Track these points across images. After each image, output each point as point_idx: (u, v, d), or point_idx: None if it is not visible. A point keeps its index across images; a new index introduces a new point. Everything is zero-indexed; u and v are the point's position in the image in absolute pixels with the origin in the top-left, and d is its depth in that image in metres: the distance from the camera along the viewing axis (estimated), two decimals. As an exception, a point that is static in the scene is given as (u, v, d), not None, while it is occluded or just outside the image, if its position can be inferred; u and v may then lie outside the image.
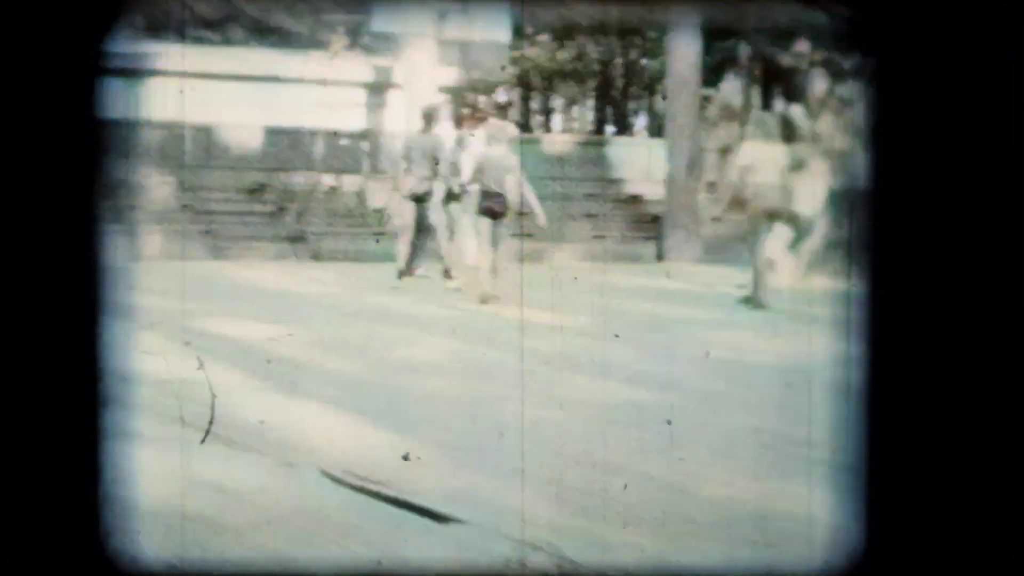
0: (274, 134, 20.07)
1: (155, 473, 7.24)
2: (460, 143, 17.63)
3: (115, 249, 5.14)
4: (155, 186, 20.25)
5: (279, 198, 18.66)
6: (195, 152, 21.23)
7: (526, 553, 5.82)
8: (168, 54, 22.13)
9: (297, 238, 18.90)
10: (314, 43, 22.39)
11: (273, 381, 9.80)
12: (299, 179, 19.36)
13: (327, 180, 18.60)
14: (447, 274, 16.50)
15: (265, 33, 23.10)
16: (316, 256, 18.32)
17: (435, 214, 17.00)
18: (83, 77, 5.02)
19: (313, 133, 20.85)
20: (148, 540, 5.79)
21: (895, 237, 4.89)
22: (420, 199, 17.03)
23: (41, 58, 4.97)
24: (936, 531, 4.89)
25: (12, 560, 4.88)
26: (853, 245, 5.01)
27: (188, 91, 21.54)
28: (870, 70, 4.94)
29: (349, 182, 19.42)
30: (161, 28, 22.85)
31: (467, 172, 16.50)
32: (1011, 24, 4.81)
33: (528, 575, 5.69)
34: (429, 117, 16.84)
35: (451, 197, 17.26)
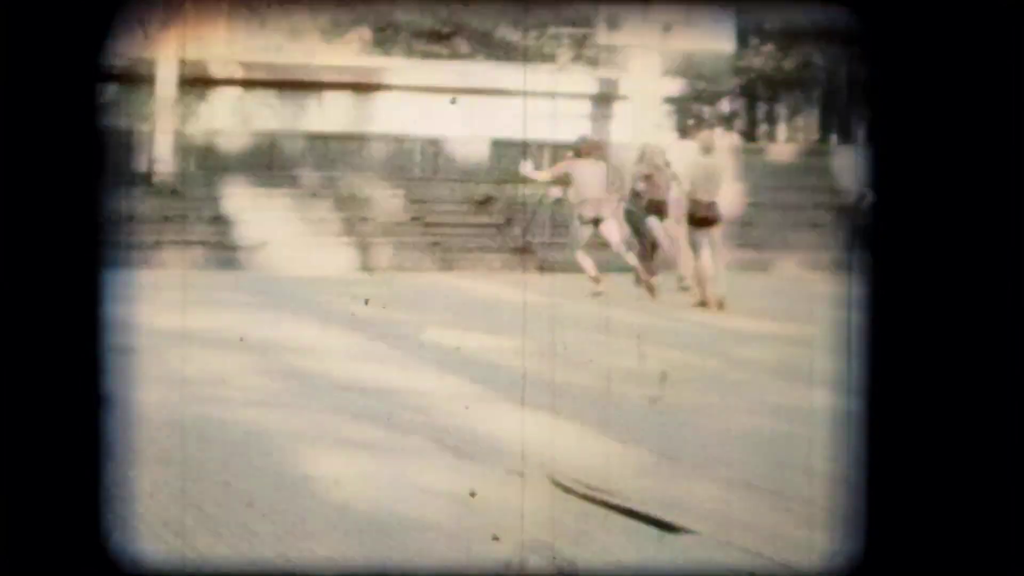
0: (501, 146, 20.34)
1: (386, 480, 7.42)
2: (672, 153, 17.70)
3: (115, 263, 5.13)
4: (384, 199, 20.65)
5: (506, 210, 18.90)
6: (424, 165, 21.60)
7: (526, 554, 5.82)
8: (396, 68, 22.56)
9: (523, 249, 19.08)
10: (540, 55, 22.62)
11: (502, 391, 9.95)
12: (525, 191, 19.56)
13: (553, 192, 18.76)
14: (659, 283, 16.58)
15: (492, 46, 23.40)
16: (542, 267, 18.49)
17: (650, 223, 17.10)
18: (81, 82, 4.99)
19: (540, 145, 21.05)
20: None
21: (895, 237, 4.84)
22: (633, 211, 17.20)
23: (42, 63, 4.94)
24: (936, 531, 4.83)
25: (12, 560, 4.89)
26: (854, 245, 4.99)
27: (414, 104, 21.92)
28: (870, 70, 4.90)
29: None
30: (388, 42, 23.31)
31: (681, 181, 16.56)
32: (1011, 24, 4.74)
33: (528, 575, 5.69)
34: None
35: (653, 207, 17.32)
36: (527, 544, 5.92)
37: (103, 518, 4.96)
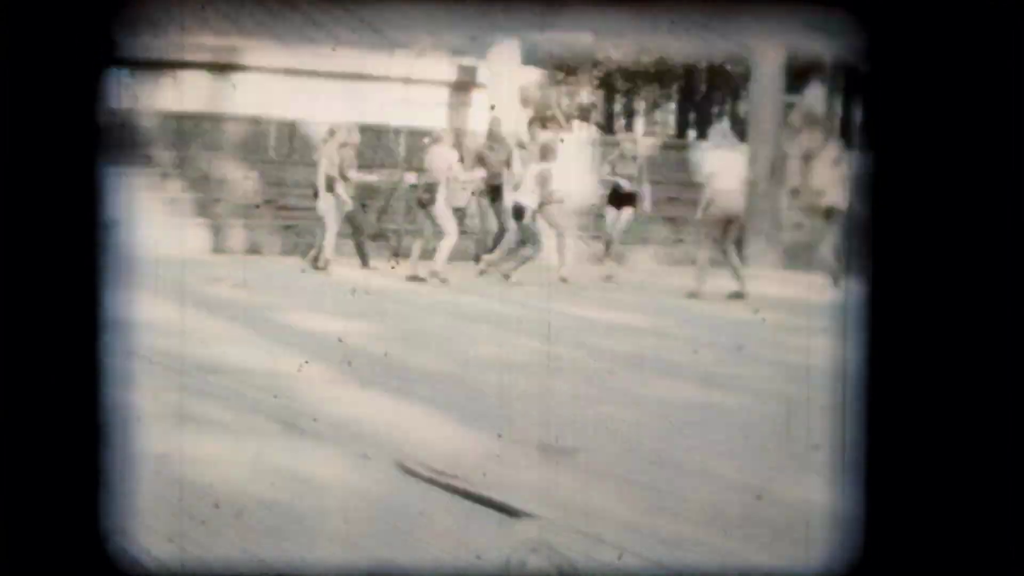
0: (358, 131, 20.18)
1: (231, 461, 7.36)
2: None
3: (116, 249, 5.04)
4: (238, 180, 20.43)
5: (361, 195, 18.78)
6: (279, 147, 21.40)
7: (526, 554, 5.83)
8: (254, 50, 22.33)
9: (378, 235, 19.02)
10: (400, 42, 22.52)
11: (353, 375, 9.90)
12: (382, 176, 19.49)
13: (409, 178, 18.71)
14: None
15: (351, 31, 23.26)
16: (397, 253, 18.47)
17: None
18: (87, 71, 4.91)
19: (397, 131, 20.97)
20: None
21: (895, 237, 4.88)
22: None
23: (46, 52, 4.87)
24: (936, 531, 4.88)
25: (12, 560, 4.87)
26: (853, 245, 5.02)
27: (275, 87, 21.73)
28: (869, 70, 4.94)
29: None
30: (245, 27, 23.04)
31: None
32: (1011, 24, 4.80)
33: (528, 575, 5.70)
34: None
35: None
36: (527, 544, 5.90)
37: (103, 518, 4.91)
